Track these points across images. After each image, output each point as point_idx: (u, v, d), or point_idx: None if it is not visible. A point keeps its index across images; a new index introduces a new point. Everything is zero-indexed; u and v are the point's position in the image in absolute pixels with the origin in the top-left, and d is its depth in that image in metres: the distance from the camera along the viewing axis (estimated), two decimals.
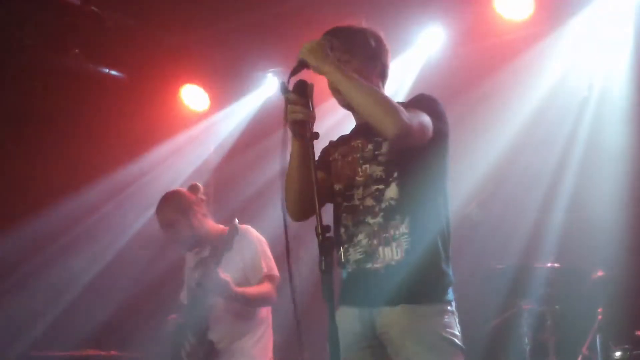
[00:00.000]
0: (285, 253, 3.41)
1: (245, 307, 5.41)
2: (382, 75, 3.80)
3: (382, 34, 3.80)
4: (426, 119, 3.48)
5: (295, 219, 3.64)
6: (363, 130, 3.65)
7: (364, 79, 3.59)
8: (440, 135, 3.57)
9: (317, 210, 3.20)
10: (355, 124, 3.81)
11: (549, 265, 6.15)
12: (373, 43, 3.76)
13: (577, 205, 6.55)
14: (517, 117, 6.80)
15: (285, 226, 3.35)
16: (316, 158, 3.49)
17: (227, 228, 5.42)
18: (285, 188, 3.61)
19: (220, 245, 5.29)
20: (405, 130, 3.34)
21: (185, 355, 5.39)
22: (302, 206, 3.56)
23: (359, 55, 3.69)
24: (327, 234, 3.15)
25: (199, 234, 5.53)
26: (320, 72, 3.38)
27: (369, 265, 3.54)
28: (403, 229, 3.51)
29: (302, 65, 3.39)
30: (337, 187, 3.69)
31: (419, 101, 3.61)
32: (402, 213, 3.52)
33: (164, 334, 5.64)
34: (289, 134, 3.42)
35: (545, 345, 6.09)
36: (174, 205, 5.56)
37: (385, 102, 3.38)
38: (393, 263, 3.50)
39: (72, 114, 7.44)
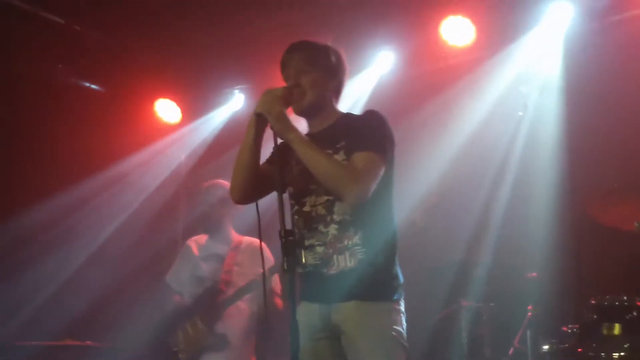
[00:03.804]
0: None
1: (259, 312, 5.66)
2: (337, 91, 3.79)
3: (343, 53, 3.82)
4: (377, 166, 3.49)
5: (236, 201, 3.72)
6: (317, 140, 3.60)
7: (320, 90, 3.68)
8: (388, 164, 3.59)
9: (281, 216, 3.24)
10: (308, 132, 3.79)
11: (485, 266, 6.20)
12: (334, 60, 3.75)
13: (511, 214, 6.54)
14: (460, 133, 6.84)
15: (259, 221, 3.49)
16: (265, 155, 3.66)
17: (246, 238, 5.80)
18: (234, 169, 3.65)
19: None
20: (363, 197, 3.42)
21: (185, 335, 5.47)
22: (244, 192, 3.64)
23: (319, 68, 3.68)
24: (290, 237, 3.19)
25: (220, 227, 5.80)
26: (283, 138, 3.45)
27: (324, 270, 3.54)
28: (356, 240, 3.51)
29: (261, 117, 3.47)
30: (291, 190, 3.68)
31: (369, 129, 3.58)
32: (355, 226, 3.51)
33: (163, 311, 5.75)
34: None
35: (482, 338, 6.14)
36: (221, 191, 5.77)
37: (342, 173, 3.41)
38: (346, 270, 3.51)
39: (55, 123, 7.43)
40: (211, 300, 5.51)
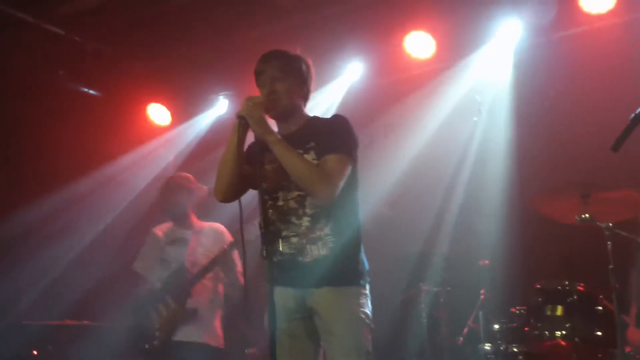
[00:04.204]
0: (241, 242, 3.64)
1: (220, 286, 5.76)
2: (305, 98, 3.89)
3: (311, 62, 3.91)
4: (345, 166, 3.62)
5: (220, 201, 3.76)
6: (289, 141, 3.66)
7: (294, 96, 3.77)
8: (353, 162, 3.71)
9: (262, 209, 3.48)
10: (279, 133, 3.78)
11: (443, 255, 6.42)
12: (304, 68, 3.84)
13: (466, 208, 6.69)
14: (421, 136, 7.00)
15: (241, 217, 3.54)
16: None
17: (208, 223, 5.88)
18: (218, 172, 3.69)
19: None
20: (332, 195, 3.55)
21: (159, 316, 5.55)
22: (228, 193, 3.69)
23: (291, 76, 3.76)
24: (269, 229, 3.45)
25: (184, 214, 5.85)
26: (263, 139, 3.56)
27: (300, 258, 3.66)
28: (327, 230, 3.63)
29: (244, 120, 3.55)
30: (264, 185, 3.69)
31: (336, 132, 3.70)
32: (326, 218, 3.63)
33: (135, 298, 5.81)
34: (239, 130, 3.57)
35: (439, 319, 6.36)
36: (185, 181, 5.91)
37: (315, 175, 3.53)
38: (320, 258, 3.63)
39: (55, 124, 7.47)
40: (180, 281, 5.56)
